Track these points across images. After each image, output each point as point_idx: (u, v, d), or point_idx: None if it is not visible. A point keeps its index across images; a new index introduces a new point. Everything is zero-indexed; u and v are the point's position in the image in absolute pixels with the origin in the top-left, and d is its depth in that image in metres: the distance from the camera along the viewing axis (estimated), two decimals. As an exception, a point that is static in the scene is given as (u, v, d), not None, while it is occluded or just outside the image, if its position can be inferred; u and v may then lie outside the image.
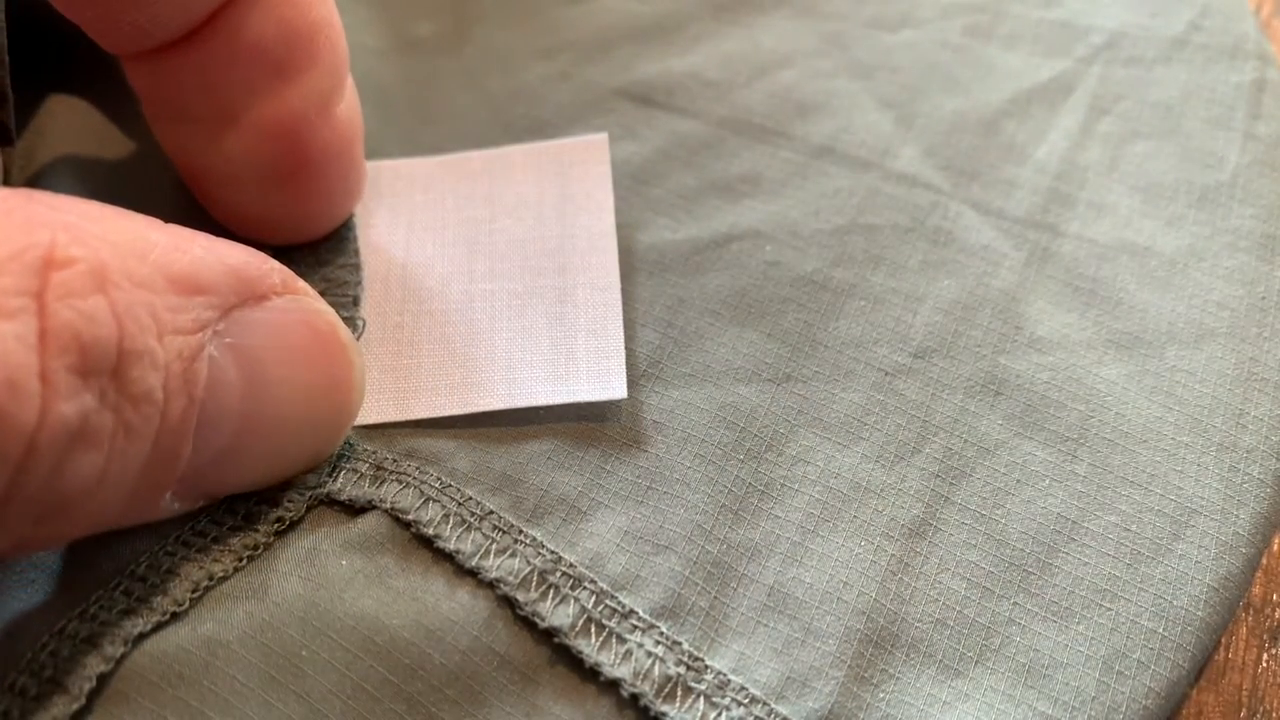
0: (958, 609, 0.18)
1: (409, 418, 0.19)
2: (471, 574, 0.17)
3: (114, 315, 0.14)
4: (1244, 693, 0.18)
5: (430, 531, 0.18)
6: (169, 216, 0.16)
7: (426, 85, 0.25)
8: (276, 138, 0.20)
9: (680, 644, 0.17)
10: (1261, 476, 0.19)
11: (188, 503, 0.17)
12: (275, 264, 0.17)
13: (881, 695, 0.17)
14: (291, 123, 0.20)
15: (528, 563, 0.18)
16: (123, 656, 0.16)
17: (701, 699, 0.17)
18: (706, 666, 0.17)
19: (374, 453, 0.19)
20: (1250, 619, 0.19)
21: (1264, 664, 0.19)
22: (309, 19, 0.19)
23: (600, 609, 0.17)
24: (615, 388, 0.19)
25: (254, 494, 0.18)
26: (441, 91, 0.25)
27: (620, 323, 0.20)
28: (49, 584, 0.17)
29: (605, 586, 0.17)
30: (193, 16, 0.19)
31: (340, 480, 0.19)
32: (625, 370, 0.20)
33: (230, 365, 0.16)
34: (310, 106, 0.20)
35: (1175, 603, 0.18)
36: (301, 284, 0.17)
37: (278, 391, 0.17)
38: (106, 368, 0.14)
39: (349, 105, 0.21)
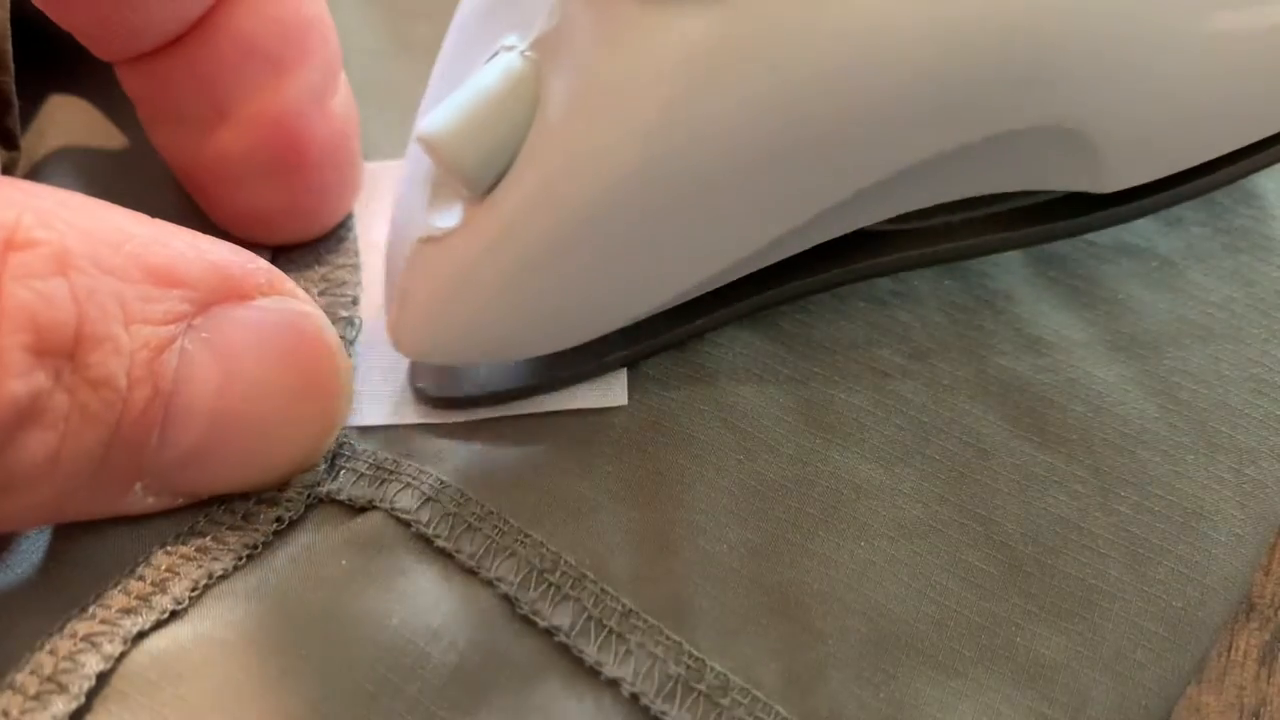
0: (957, 610, 0.18)
1: (409, 421, 0.19)
2: (472, 573, 0.17)
3: (74, 299, 0.14)
4: (1244, 693, 0.18)
5: (430, 531, 0.18)
6: (168, 217, 0.17)
7: (427, 86, 0.25)
8: (272, 133, 0.20)
9: (681, 644, 0.17)
10: (1261, 478, 0.19)
11: (164, 499, 0.17)
12: (263, 264, 0.17)
13: (881, 695, 0.17)
14: (287, 117, 0.20)
15: (528, 562, 0.18)
16: (122, 655, 0.16)
17: (702, 699, 0.17)
18: (707, 666, 0.17)
19: (373, 453, 0.19)
20: (1250, 619, 0.19)
21: (1264, 665, 0.19)
22: (301, 15, 0.19)
23: (601, 608, 0.17)
24: (616, 395, 0.19)
25: (252, 494, 0.18)
26: (442, 92, 0.25)
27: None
28: (48, 583, 0.17)
29: (606, 586, 0.17)
30: (186, 17, 0.19)
31: (340, 480, 0.19)
32: (626, 377, 0.20)
33: (206, 360, 0.16)
34: (305, 100, 0.20)
35: (1175, 604, 0.18)
36: (290, 285, 0.17)
37: (256, 391, 0.17)
38: (64, 350, 0.14)
39: (343, 100, 0.21)
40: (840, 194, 0.17)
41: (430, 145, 0.17)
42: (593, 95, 0.16)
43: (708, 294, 0.19)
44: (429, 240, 0.18)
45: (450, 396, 0.20)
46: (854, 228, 0.19)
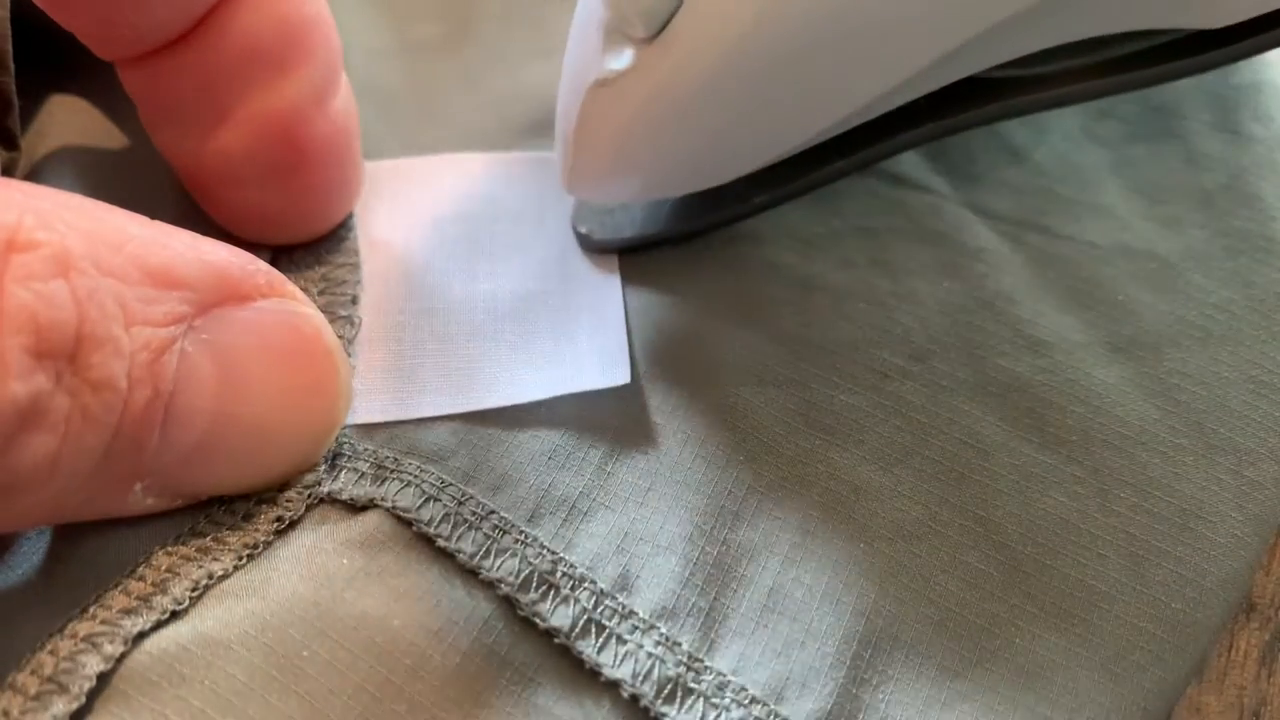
0: (956, 611, 0.18)
1: (410, 416, 0.19)
2: (472, 574, 0.17)
3: (74, 300, 0.14)
4: (1244, 693, 0.18)
5: (431, 531, 0.18)
6: (169, 218, 0.17)
7: (427, 86, 0.25)
8: (274, 133, 0.20)
9: (680, 645, 0.17)
10: (1260, 479, 0.19)
11: (163, 500, 0.17)
12: (263, 266, 0.17)
13: (880, 696, 0.17)
14: (288, 117, 0.20)
15: (528, 563, 0.18)
16: (123, 655, 0.16)
17: (701, 700, 0.17)
18: (706, 667, 0.17)
19: (374, 451, 0.19)
20: (1250, 619, 0.19)
21: (1264, 665, 0.19)
22: (302, 14, 0.19)
23: (600, 610, 0.17)
24: (619, 374, 0.19)
25: (253, 494, 0.18)
26: (442, 92, 0.25)
27: (622, 312, 0.20)
28: (48, 583, 0.17)
29: (605, 587, 0.17)
30: (188, 16, 0.19)
31: (341, 479, 0.19)
32: (628, 356, 0.20)
33: (205, 361, 0.16)
34: (306, 101, 0.20)
35: (1173, 605, 0.18)
36: (290, 287, 0.17)
37: (255, 392, 0.17)
38: (64, 351, 0.14)
39: (344, 100, 0.21)
40: (988, 21, 0.18)
41: None
42: None
43: (833, 145, 0.20)
44: (602, 84, 0.19)
45: (611, 239, 0.21)
46: (982, 67, 0.20)
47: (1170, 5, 0.19)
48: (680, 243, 0.22)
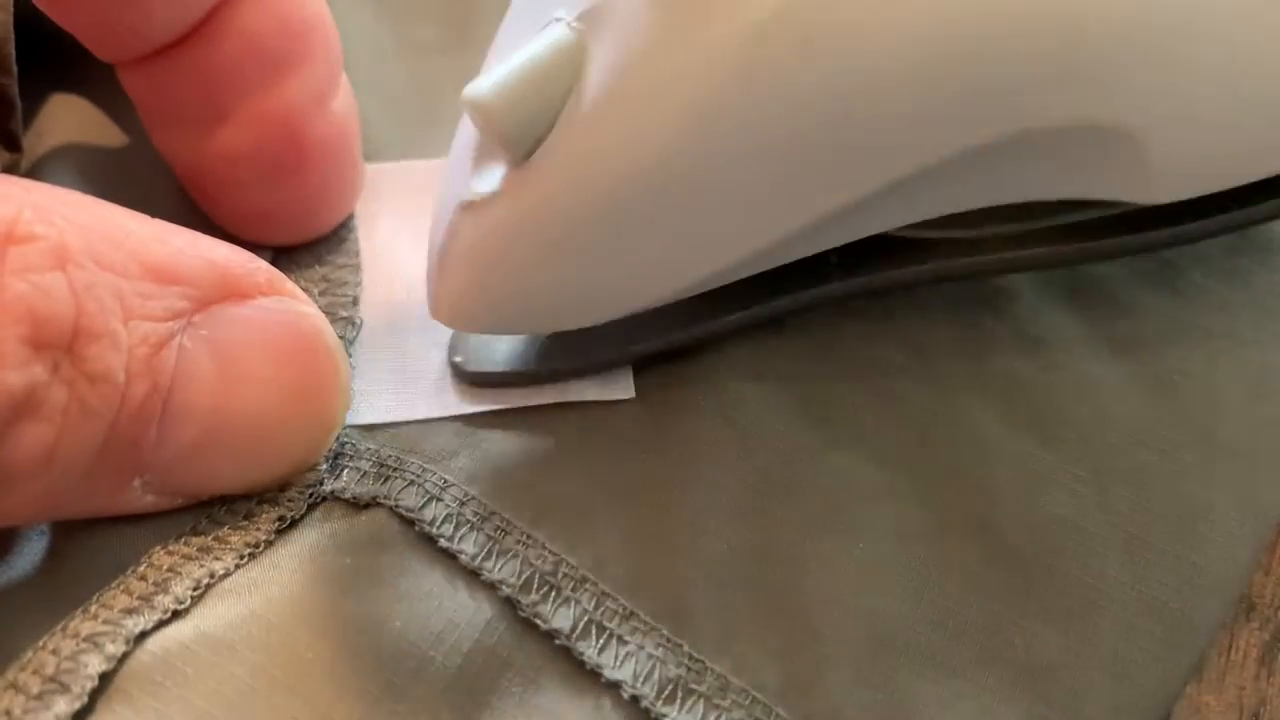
0: (956, 610, 0.18)
1: (412, 417, 0.19)
2: (474, 575, 0.17)
3: (72, 293, 0.14)
4: (1244, 693, 0.18)
5: (433, 531, 0.18)
6: (169, 218, 0.17)
7: (429, 87, 0.25)
8: (274, 133, 0.20)
9: (681, 646, 0.17)
10: (1258, 478, 0.19)
11: (163, 498, 0.17)
12: (263, 264, 0.17)
13: (880, 696, 0.17)
14: (289, 118, 0.20)
15: (530, 564, 0.18)
16: (125, 655, 0.16)
17: (702, 701, 0.17)
18: (707, 668, 0.17)
19: (376, 450, 0.19)
20: (1250, 619, 0.19)
21: (1264, 665, 0.19)
22: (302, 15, 0.20)
23: (602, 611, 0.17)
24: (622, 388, 0.20)
25: (254, 494, 0.18)
26: (444, 93, 0.25)
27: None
28: (49, 582, 0.17)
29: (607, 588, 0.17)
30: (188, 18, 0.19)
31: (343, 478, 0.19)
32: (631, 371, 0.20)
33: (204, 358, 0.16)
34: (307, 101, 0.20)
35: (1172, 604, 0.18)
36: (290, 286, 0.18)
37: (254, 389, 0.17)
38: (61, 342, 0.14)
39: (345, 101, 0.21)
40: (874, 184, 0.17)
41: (472, 106, 0.17)
42: (631, 70, 0.16)
43: (729, 298, 0.19)
44: (469, 206, 0.18)
45: (484, 371, 0.20)
46: (891, 226, 0.19)
47: (1103, 177, 0.19)
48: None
